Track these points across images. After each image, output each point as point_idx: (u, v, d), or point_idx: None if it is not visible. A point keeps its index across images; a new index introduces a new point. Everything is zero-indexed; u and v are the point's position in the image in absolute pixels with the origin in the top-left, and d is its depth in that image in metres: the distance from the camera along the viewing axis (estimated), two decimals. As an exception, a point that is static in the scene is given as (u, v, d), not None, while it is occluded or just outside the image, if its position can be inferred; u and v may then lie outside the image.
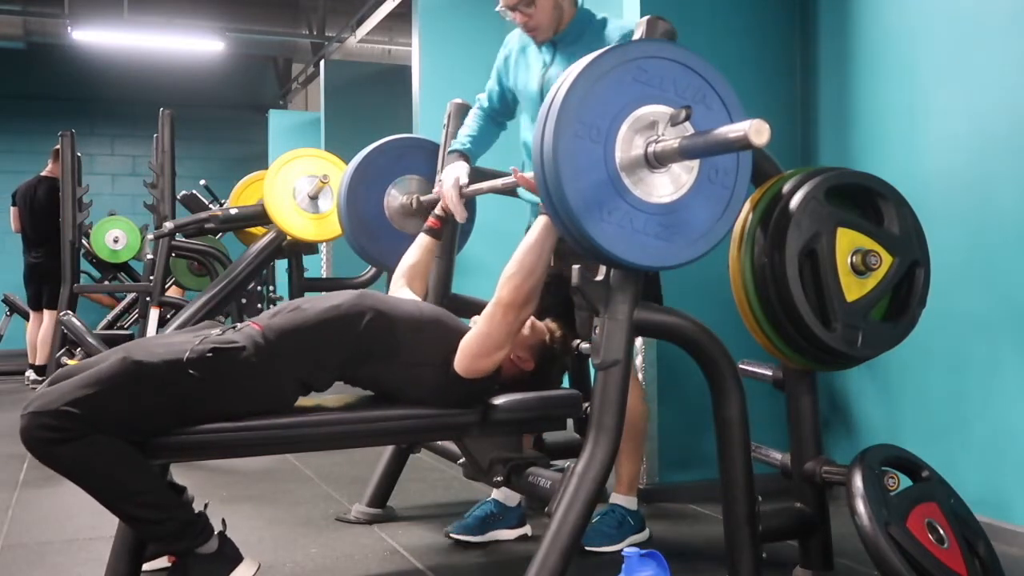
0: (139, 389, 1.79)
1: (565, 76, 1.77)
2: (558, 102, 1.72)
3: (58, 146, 6.59)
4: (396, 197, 2.90)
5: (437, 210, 2.54)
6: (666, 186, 1.79)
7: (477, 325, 2.05)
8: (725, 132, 1.60)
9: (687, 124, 1.76)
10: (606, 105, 1.74)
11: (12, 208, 6.91)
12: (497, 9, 2.47)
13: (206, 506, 1.99)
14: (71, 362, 3.92)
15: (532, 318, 2.23)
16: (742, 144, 1.55)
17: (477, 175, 2.63)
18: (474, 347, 2.02)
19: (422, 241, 2.52)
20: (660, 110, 1.78)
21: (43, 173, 6.81)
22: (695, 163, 1.81)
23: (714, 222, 1.83)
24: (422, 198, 2.82)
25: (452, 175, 2.52)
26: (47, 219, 6.56)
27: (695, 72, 1.80)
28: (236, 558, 1.94)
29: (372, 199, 2.89)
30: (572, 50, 2.42)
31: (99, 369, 1.79)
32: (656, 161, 1.76)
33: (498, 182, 2.43)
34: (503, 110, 2.72)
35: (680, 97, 1.79)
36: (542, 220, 2.00)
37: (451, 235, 2.74)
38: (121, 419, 1.77)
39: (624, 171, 1.75)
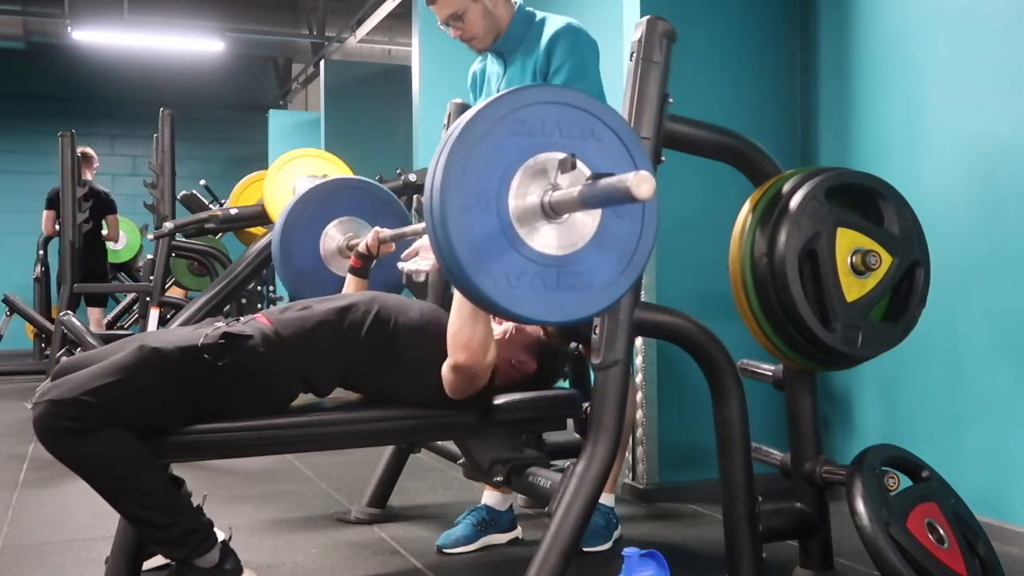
0: (157, 376, 1.79)
1: (441, 146, 1.63)
2: (439, 177, 1.57)
3: (85, 149, 6.47)
4: (333, 239, 2.79)
5: (360, 247, 2.50)
6: (569, 234, 1.65)
7: (451, 377, 1.97)
8: (614, 185, 1.47)
9: (580, 167, 1.63)
10: (489, 170, 1.59)
11: (46, 212, 6.78)
12: (438, 26, 2.50)
13: (204, 499, 1.99)
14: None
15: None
16: (628, 198, 1.43)
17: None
18: (456, 393, 1.98)
19: (350, 281, 2.50)
20: (549, 157, 1.64)
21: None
22: None
23: (630, 255, 1.68)
24: (350, 243, 2.74)
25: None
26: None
27: (576, 108, 1.66)
28: (235, 572, 1.93)
29: (306, 249, 2.75)
30: (516, 56, 2.45)
31: (117, 358, 1.79)
32: (554, 213, 1.63)
33: (418, 227, 2.42)
34: None
35: (566, 138, 1.64)
36: None
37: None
38: (137, 409, 1.77)
39: (522, 229, 1.61)
